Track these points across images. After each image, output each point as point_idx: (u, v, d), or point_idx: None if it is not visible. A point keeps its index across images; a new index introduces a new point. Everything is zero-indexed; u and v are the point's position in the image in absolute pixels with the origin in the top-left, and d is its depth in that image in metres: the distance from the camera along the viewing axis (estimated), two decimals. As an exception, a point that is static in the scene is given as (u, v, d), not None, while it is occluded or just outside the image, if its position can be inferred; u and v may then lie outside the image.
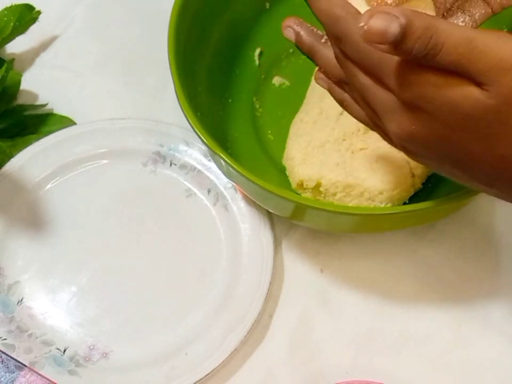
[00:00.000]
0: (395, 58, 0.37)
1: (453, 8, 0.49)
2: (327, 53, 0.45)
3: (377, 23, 0.35)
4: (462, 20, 0.48)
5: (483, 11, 0.48)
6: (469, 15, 0.48)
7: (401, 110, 0.39)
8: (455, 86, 0.36)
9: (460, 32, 0.35)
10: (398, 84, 0.38)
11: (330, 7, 0.40)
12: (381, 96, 0.39)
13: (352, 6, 0.40)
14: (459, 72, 0.36)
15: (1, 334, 0.56)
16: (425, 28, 0.35)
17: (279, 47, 0.65)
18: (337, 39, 0.41)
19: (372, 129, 0.45)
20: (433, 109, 0.37)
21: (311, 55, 0.46)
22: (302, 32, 0.46)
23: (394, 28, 0.35)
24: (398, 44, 0.35)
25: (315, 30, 0.47)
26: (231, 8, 0.65)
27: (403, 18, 0.35)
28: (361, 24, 0.35)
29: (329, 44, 0.44)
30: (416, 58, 0.36)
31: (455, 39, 0.35)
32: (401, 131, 0.39)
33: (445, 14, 0.49)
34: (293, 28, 0.47)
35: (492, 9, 0.48)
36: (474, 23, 0.48)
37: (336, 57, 0.42)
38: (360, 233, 0.61)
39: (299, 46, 0.47)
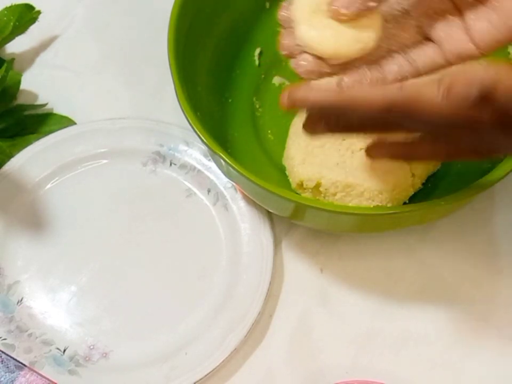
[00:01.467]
0: None
1: (395, 50, 0.45)
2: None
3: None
4: (397, 65, 0.45)
5: (430, 61, 0.45)
6: (410, 62, 0.45)
7: None
8: None
9: None
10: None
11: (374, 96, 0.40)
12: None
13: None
14: None
15: (1, 334, 0.56)
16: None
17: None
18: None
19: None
20: None
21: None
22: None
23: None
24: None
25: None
26: (231, 8, 0.65)
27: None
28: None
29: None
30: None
31: None
32: None
33: (385, 54, 0.45)
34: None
35: (450, 61, 0.44)
36: (416, 72, 0.45)
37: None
38: (360, 233, 0.61)
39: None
